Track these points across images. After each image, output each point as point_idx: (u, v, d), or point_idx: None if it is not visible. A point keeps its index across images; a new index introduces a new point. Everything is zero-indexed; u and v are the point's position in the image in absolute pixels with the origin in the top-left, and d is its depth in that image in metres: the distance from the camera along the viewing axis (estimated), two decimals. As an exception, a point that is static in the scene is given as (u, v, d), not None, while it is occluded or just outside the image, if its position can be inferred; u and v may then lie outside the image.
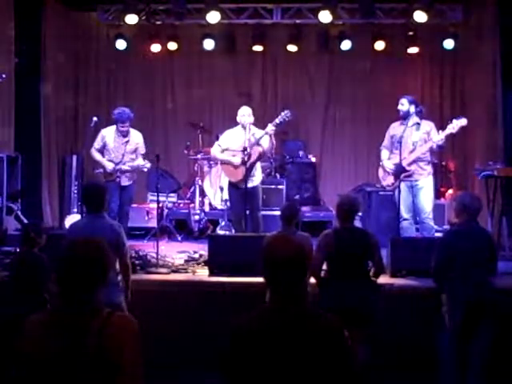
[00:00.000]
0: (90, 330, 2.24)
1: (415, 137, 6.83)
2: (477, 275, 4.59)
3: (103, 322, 2.26)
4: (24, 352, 2.32)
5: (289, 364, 2.31)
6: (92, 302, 2.34)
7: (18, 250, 5.88)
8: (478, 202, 4.84)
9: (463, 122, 6.63)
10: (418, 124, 6.88)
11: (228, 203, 8.29)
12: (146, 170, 7.51)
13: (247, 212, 7.03)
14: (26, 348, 2.32)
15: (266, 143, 6.98)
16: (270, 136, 6.89)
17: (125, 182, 7.41)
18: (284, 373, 2.30)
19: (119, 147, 7.38)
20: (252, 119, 7.14)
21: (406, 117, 6.87)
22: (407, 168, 6.77)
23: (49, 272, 4.73)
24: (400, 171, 6.74)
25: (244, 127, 7.10)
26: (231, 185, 7.26)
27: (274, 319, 2.37)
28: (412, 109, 6.85)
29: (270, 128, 6.85)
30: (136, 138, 7.47)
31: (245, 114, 7.12)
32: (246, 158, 6.91)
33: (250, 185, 7.00)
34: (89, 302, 2.34)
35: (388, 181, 7.03)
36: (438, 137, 6.71)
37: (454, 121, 6.67)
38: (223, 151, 7.24)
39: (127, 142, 7.41)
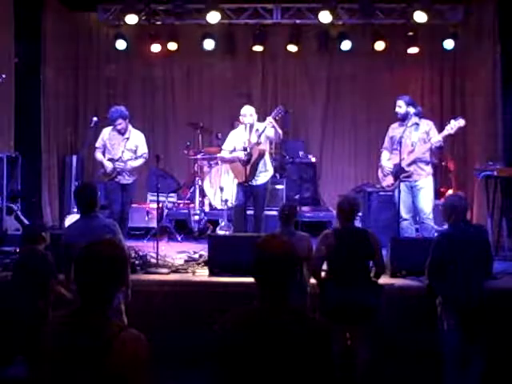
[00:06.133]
0: (101, 343, 2.22)
1: (414, 137, 6.82)
2: (468, 277, 4.60)
3: (110, 342, 2.21)
4: (41, 351, 2.33)
5: (273, 363, 2.32)
6: (110, 305, 2.34)
7: (18, 250, 5.86)
8: (465, 202, 4.92)
9: (461, 122, 6.61)
10: (417, 124, 6.88)
11: (228, 203, 8.31)
12: (145, 156, 7.43)
13: (251, 211, 7.10)
14: (43, 347, 2.33)
15: (271, 133, 7.01)
16: (274, 126, 6.91)
17: (126, 180, 7.40)
18: (268, 372, 2.32)
19: (118, 144, 7.37)
20: (253, 119, 7.15)
21: (404, 118, 6.87)
22: (406, 169, 6.76)
23: (54, 270, 4.72)
24: (399, 172, 6.74)
25: (246, 127, 7.14)
26: (239, 183, 7.26)
27: (261, 319, 2.39)
28: (410, 109, 6.84)
29: (269, 120, 6.87)
30: (136, 138, 7.45)
31: (246, 113, 7.15)
32: (246, 158, 6.93)
33: (256, 182, 7.09)
34: (107, 303, 2.33)
35: (387, 181, 7.02)
36: (436, 138, 6.70)
37: (452, 121, 6.66)
38: (231, 152, 7.26)
39: (127, 139, 7.40)
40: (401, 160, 6.70)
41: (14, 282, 4.87)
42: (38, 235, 4.85)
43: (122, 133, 7.37)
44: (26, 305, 4.61)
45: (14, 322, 4.67)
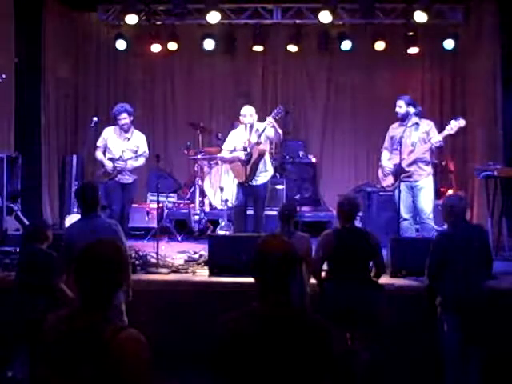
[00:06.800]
0: (100, 343, 2.21)
1: (414, 137, 6.82)
2: (468, 278, 4.60)
3: (110, 342, 2.21)
4: (41, 351, 2.33)
5: (273, 363, 2.31)
6: (109, 305, 2.34)
7: (19, 249, 5.84)
8: (465, 202, 4.91)
9: (461, 123, 6.60)
10: (417, 124, 6.87)
11: (228, 203, 8.31)
12: (146, 154, 7.44)
13: (252, 211, 7.12)
14: (43, 347, 2.33)
15: (271, 133, 7.01)
16: (274, 126, 6.90)
17: (126, 179, 7.40)
18: (269, 372, 2.31)
19: (120, 143, 7.38)
20: (253, 119, 7.15)
21: (404, 118, 6.87)
22: (406, 169, 6.76)
23: (58, 270, 4.70)
24: (399, 172, 6.73)
25: (246, 127, 7.15)
26: (239, 183, 7.26)
27: (261, 319, 2.39)
28: (411, 109, 6.83)
29: (269, 120, 6.86)
30: (138, 138, 7.45)
31: (246, 113, 7.15)
32: (246, 158, 6.94)
33: (256, 182, 7.09)
34: (107, 304, 2.34)
35: (388, 181, 7.02)
36: (436, 138, 6.70)
37: (452, 121, 6.65)
38: (231, 152, 7.26)
39: (128, 138, 7.40)
40: (401, 160, 6.69)
41: (17, 282, 4.86)
42: (40, 233, 4.84)
43: (124, 130, 7.35)
44: (28, 304, 4.60)
45: (17, 322, 4.67)
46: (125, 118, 7.31)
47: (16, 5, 8.22)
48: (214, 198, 8.98)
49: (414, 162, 6.78)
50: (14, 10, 8.19)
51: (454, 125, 6.60)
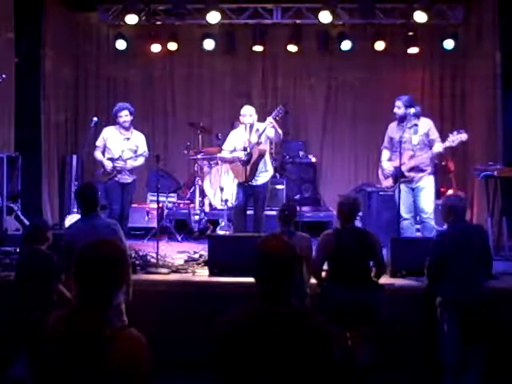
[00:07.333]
0: (100, 343, 2.21)
1: (414, 140, 6.77)
2: (468, 278, 4.61)
3: (109, 342, 2.21)
4: (41, 351, 2.33)
5: (274, 363, 2.31)
6: (109, 305, 2.34)
7: (19, 249, 5.84)
8: (465, 202, 4.92)
9: (463, 137, 6.50)
10: (416, 125, 6.82)
11: (228, 203, 8.31)
12: (146, 154, 7.42)
13: (252, 211, 7.12)
14: (42, 347, 2.33)
15: (272, 133, 7.01)
16: (274, 126, 6.90)
17: (126, 179, 7.39)
18: (269, 372, 2.31)
19: (119, 143, 7.37)
20: (253, 119, 7.15)
21: (402, 119, 6.84)
22: (406, 174, 6.72)
23: (57, 271, 4.70)
24: (399, 175, 6.70)
25: (246, 127, 7.15)
26: (239, 183, 7.26)
27: (261, 319, 2.38)
28: (410, 110, 6.80)
29: (270, 120, 6.86)
30: (137, 138, 7.46)
31: (246, 113, 7.15)
32: (246, 158, 6.94)
33: (256, 182, 7.10)
34: (107, 304, 2.33)
35: (388, 183, 7.01)
36: (437, 149, 6.64)
37: (455, 133, 6.55)
38: (231, 152, 7.26)
39: (128, 138, 7.40)
40: (401, 164, 6.66)
41: (17, 282, 4.86)
42: (40, 234, 4.84)
43: (124, 127, 7.34)
44: (28, 305, 4.60)
45: (16, 322, 4.66)
46: (126, 115, 7.32)
47: (16, 5, 8.22)
48: (214, 198, 8.98)
49: (414, 168, 6.75)
50: (14, 11, 8.19)
51: (456, 138, 6.52)
